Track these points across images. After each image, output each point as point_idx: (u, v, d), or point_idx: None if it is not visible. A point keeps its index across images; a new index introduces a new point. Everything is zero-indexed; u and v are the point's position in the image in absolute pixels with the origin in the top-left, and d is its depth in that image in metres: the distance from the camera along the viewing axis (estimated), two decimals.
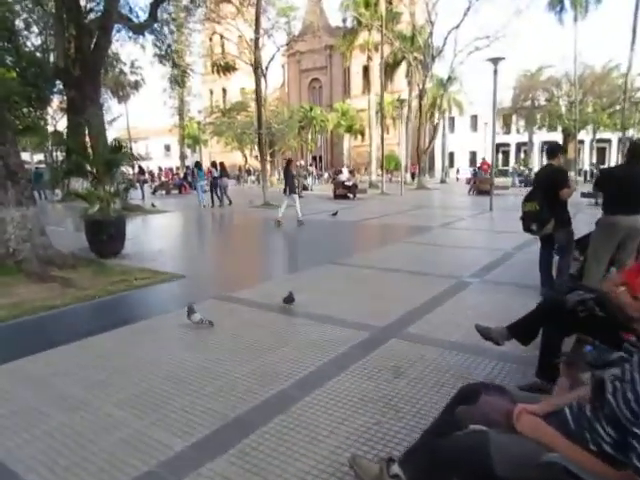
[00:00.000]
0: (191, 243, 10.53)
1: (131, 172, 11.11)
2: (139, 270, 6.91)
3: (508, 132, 58.36)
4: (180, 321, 4.48)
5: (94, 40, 16.42)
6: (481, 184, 22.81)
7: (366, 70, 59.12)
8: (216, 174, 19.19)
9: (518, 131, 56.90)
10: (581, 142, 41.93)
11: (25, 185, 6.45)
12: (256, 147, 45.09)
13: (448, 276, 6.30)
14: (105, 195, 7.79)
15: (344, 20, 60.76)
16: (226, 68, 20.53)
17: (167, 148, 68.43)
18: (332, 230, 12.26)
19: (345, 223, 13.05)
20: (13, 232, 6.26)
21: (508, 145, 58.49)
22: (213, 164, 19.92)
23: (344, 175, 22.13)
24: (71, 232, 11.52)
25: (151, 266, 7.21)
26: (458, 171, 39.78)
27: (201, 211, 17.60)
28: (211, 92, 66.74)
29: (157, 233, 12.55)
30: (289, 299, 4.87)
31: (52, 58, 23.19)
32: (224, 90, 66.24)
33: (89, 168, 7.79)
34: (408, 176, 34.75)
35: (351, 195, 20.99)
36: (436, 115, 35.65)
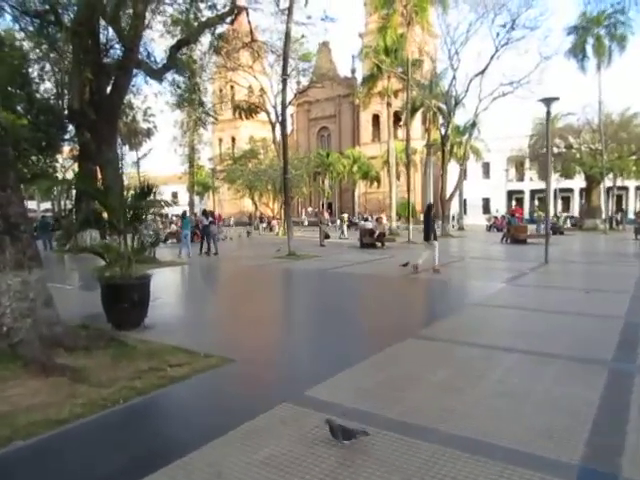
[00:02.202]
0: (226, 306, 8.67)
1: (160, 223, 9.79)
2: (171, 350, 5.27)
3: (522, 179, 57.69)
4: (255, 449, 2.81)
5: (111, 82, 15.55)
6: (517, 232, 21.33)
7: (376, 118, 59.68)
8: (206, 222, 18.53)
9: (531, 178, 56.26)
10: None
11: (28, 242, 4.91)
12: (264, 194, 44.70)
13: (586, 360, 4.68)
14: (127, 251, 6.25)
15: (353, 70, 62.38)
16: (249, 111, 19.65)
17: (174, 195, 68.02)
18: (385, 286, 10.61)
19: (393, 278, 11.42)
20: (9, 305, 4.69)
21: (522, 192, 57.67)
22: (204, 212, 19.41)
23: (370, 223, 20.71)
24: (81, 292, 9.96)
25: (185, 343, 5.56)
26: (490, 218, 38.49)
27: (224, 263, 16.09)
28: (220, 141, 67.20)
29: (182, 292, 10.92)
30: None
31: (66, 104, 22.46)
32: (233, 139, 66.69)
33: (108, 218, 6.30)
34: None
35: (379, 244, 19.49)
36: (451, 162, 34.79)
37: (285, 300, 9.48)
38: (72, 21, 14.58)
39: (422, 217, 25.74)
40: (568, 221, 38.58)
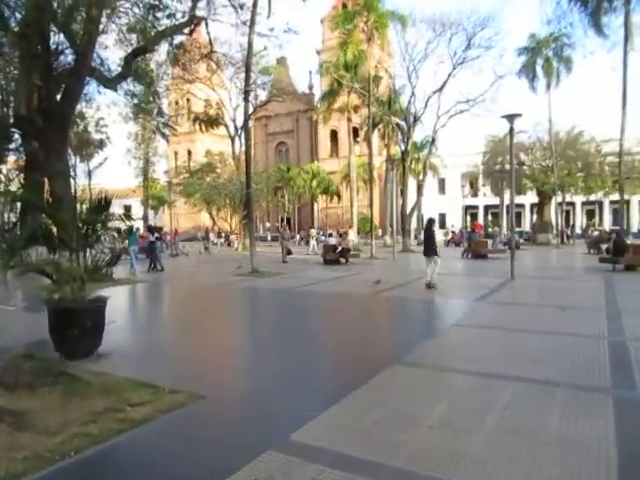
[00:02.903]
0: (189, 330, 7.90)
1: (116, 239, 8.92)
2: (130, 385, 4.64)
3: (475, 195, 59.39)
4: None
5: (62, 89, 14.60)
6: (478, 247, 21.57)
7: (334, 134, 60.07)
8: (152, 238, 18.30)
9: (485, 194, 58.00)
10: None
11: None
12: (222, 208, 43.76)
13: (587, 388, 4.42)
14: (80, 271, 5.56)
15: (311, 87, 62.72)
16: (209, 122, 19.03)
17: (127, 209, 65.66)
18: (356, 306, 10.20)
19: (364, 297, 11.04)
20: None
21: (476, 207, 59.32)
22: (149, 228, 18.91)
23: (334, 239, 20.41)
24: (25, 314, 9.03)
25: (146, 375, 4.94)
26: (448, 233, 39.06)
27: (184, 281, 15.32)
28: (176, 154, 65.78)
29: (139, 314, 10.14)
30: None
31: (12, 111, 21.06)
32: (189, 152, 65.49)
33: (59, 233, 5.60)
34: (388, 238, 33.41)
35: (343, 260, 19.16)
36: (413, 177, 35.26)
37: (252, 323, 8.86)
38: (19, 23, 13.60)
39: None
40: (521, 236, 39.73)
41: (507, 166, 44.04)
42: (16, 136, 25.68)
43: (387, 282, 12.87)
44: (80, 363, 5.45)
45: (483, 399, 4.15)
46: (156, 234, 18.30)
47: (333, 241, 20.04)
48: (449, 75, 26.13)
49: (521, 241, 36.71)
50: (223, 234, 43.16)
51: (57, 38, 17.38)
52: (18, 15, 17.04)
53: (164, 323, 8.83)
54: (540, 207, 37.06)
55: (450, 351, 6.09)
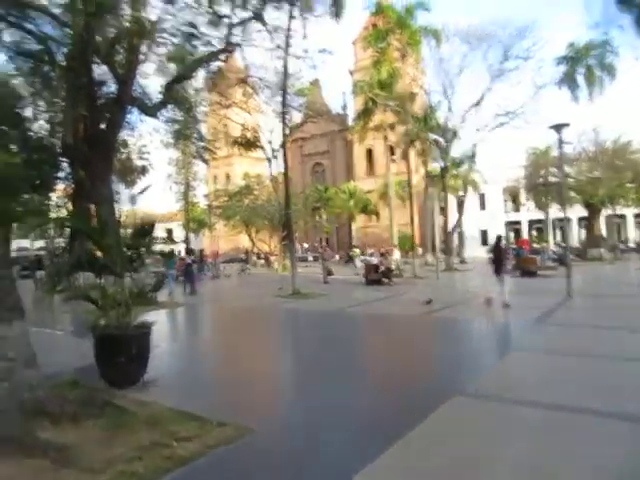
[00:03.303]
0: (233, 356, 7.71)
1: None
2: (176, 417, 4.41)
3: (518, 210, 57.59)
4: None
5: (106, 118, 15.05)
6: (526, 264, 20.62)
7: (370, 153, 59.96)
8: (189, 261, 18.10)
9: (528, 209, 56.18)
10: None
11: (7, 289, 4.12)
12: (261, 230, 44.06)
13: None
14: (125, 297, 5.44)
15: (344, 107, 63.04)
16: (248, 145, 19.23)
17: (169, 233, 67.29)
18: (407, 328, 9.76)
19: (413, 319, 10.58)
20: None
21: (519, 223, 57.47)
22: (187, 251, 18.90)
23: (375, 258, 19.98)
24: (72, 339, 9.03)
25: (192, 406, 4.71)
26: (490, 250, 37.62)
27: (226, 304, 15.23)
28: (215, 177, 67.18)
29: (183, 339, 9.98)
30: None
31: (60, 141, 21.99)
32: (228, 175, 66.74)
33: (104, 259, 5.52)
34: (429, 257, 32.60)
35: (386, 280, 18.67)
36: (451, 194, 34.51)
37: (298, 349, 8.47)
38: (65, 57, 14.18)
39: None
40: (570, 251, 38.01)
41: (551, 179, 42.72)
42: (65, 164, 26.73)
43: (435, 302, 12.32)
44: (126, 392, 5.29)
45: (565, 438, 3.68)
46: (192, 257, 18.33)
47: (375, 261, 19.61)
48: (486, 88, 25.59)
49: (571, 256, 35.12)
50: (262, 255, 43.39)
51: (100, 70, 18.13)
52: (64, 51, 17.89)
53: (208, 348, 8.64)
54: (589, 220, 35.44)
55: (516, 380, 5.58)
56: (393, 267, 19.53)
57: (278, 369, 6.79)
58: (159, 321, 9.50)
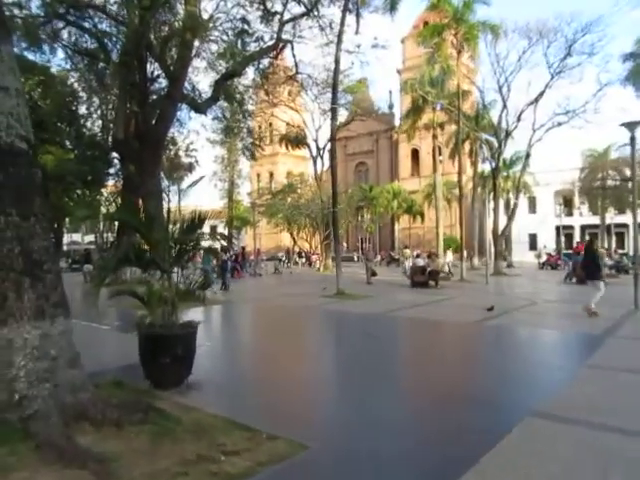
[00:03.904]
0: (280, 359, 7.33)
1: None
2: (223, 426, 4.10)
3: (570, 214, 55.00)
4: None
5: (157, 113, 15.19)
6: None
7: (415, 153, 58.81)
8: (225, 257, 18.40)
9: (581, 213, 53.59)
10: None
11: (53, 284, 3.92)
12: (303, 229, 43.98)
13: None
14: (172, 295, 5.20)
15: (391, 106, 62.12)
16: (296, 142, 19.05)
17: (213, 229, 68.45)
18: (462, 337, 9.19)
19: (468, 327, 9.98)
20: (24, 365, 3.66)
21: (571, 228, 54.86)
22: (223, 248, 18.92)
23: (422, 260, 19.32)
24: (118, 334, 9.00)
25: (239, 413, 4.39)
26: (540, 255, 36.18)
27: (271, 303, 15.02)
28: (258, 176, 67.85)
29: (228, 338, 9.70)
30: None
31: (111, 137, 22.59)
32: (271, 174, 67.21)
33: (151, 254, 5.29)
34: (476, 260, 31.48)
35: (433, 283, 18.01)
36: (511, 195, 33.19)
37: (347, 354, 7.83)
38: (119, 52, 14.39)
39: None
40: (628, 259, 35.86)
41: (610, 182, 40.47)
42: (115, 161, 27.42)
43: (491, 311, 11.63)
44: (170, 394, 5.04)
45: None
46: (228, 254, 18.47)
47: (421, 262, 18.94)
48: (546, 85, 24.36)
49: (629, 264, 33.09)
50: (304, 254, 43.29)
51: (152, 67, 18.40)
52: (119, 47, 18.24)
53: (253, 349, 8.35)
54: None
55: (595, 401, 4.95)
56: (445, 269, 18.84)
57: (326, 376, 6.40)
58: (201, 317, 9.33)
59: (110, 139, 20.40)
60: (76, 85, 25.81)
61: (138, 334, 5.17)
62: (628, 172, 37.06)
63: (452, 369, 6.56)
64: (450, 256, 21.93)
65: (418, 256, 20.19)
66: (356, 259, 43.85)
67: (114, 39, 18.73)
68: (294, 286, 21.22)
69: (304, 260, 42.56)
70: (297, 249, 44.94)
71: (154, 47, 14.61)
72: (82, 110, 27.75)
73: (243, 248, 36.36)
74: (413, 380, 6.00)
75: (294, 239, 44.93)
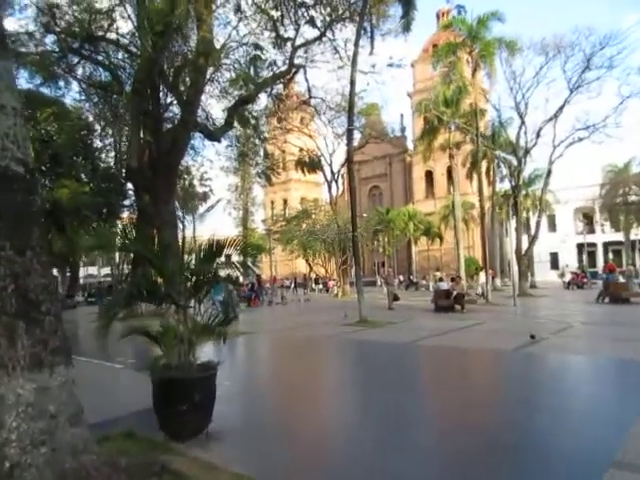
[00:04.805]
0: (306, 399, 6.66)
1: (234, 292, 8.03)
2: None
3: (592, 231, 53.65)
4: None
5: (170, 141, 14.97)
6: (618, 290, 18.45)
7: (429, 175, 58.35)
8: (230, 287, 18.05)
9: (603, 230, 52.26)
10: None
11: (52, 327, 3.38)
12: (319, 254, 43.36)
13: None
14: (188, 332, 4.63)
15: (402, 129, 62.11)
16: (312, 165, 18.71)
17: (227, 258, 68.15)
18: (503, 367, 8.43)
19: (504, 354, 9.21)
20: (17, 426, 3.09)
21: (594, 245, 53.40)
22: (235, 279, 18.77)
23: (446, 283, 18.56)
24: (132, 373, 8.40)
25: (266, 471, 3.75)
26: (563, 274, 35.17)
27: (291, 332, 14.34)
28: (272, 203, 68.00)
29: (249, 375, 9.03)
30: None
31: (124, 167, 22.55)
32: (285, 201, 67.24)
33: (165, 287, 4.75)
34: (498, 281, 30.52)
35: (458, 307, 17.21)
36: (530, 214, 32.44)
37: (379, 392, 6.85)
38: (133, 78, 14.27)
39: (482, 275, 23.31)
40: None
41: (631, 198, 39.39)
42: (130, 192, 27.36)
43: (523, 333, 10.83)
44: (188, 447, 4.43)
45: None
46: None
47: (445, 286, 18.18)
48: (565, 100, 23.83)
49: None
50: (320, 280, 42.62)
51: (165, 96, 18.36)
52: (132, 78, 18.27)
53: (276, 388, 7.67)
54: None
55: None
56: (479, 292, 18.07)
57: (360, 422, 5.68)
58: (217, 354, 8.69)
59: (124, 170, 20.29)
60: (90, 118, 26.08)
61: (151, 378, 4.58)
62: None
63: (500, 409, 5.81)
64: (482, 278, 21.09)
65: (441, 280, 19.43)
66: (379, 283, 43.00)
67: (127, 71, 18.81)
68: (313, 314, 20.54)
69: (321, 286, 41.85)
70: (313, 275, 44.31)
71: (167, 75, 14.48)
72: (97, 143, 28.00)
73: (259, 276, 35.93)
74: (459, 423, 5.27)
75: (310, 265, 44.34)
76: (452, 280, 18.78)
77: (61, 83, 21.31)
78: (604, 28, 24.18)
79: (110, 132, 25.48)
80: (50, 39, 17.31)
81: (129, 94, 14.29)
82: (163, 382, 4.57)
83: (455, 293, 17.49)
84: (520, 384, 7.10)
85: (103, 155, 27.77)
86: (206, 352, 5.50)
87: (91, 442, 3.52)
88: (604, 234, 52.63)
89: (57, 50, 18.30)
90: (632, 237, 45.60)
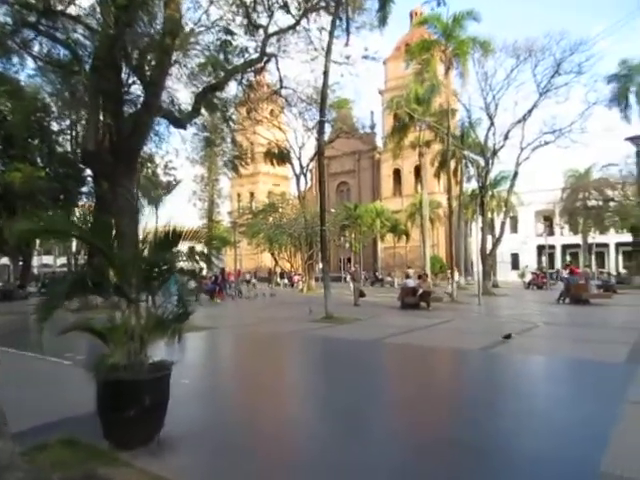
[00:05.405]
0: (271, 399, 6.23)
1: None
2: None
3: (552, 233, 55.25)
4: None
5: (131, 124, 14.18)
6: (578, 291, 18.83)
7: (397, 173, 58.69)
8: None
9: (562, 233, 53.92)
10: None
11: None
12: (285, 249, 42.86)
13: None
14: (139, 329, 4.16)
15: (372, 126, 62.20)
16: (281, 157, 18.23)
17: (191, 250, 66.71)
18: (476, 368, 8.26)
19: (475, 354, 9.07)
20: None
21: (553, 247, 54.99)
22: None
23: (412, 281, 18.49)
24: (80, 371, 7.76)
25: None
26: (524, 275, 36.06)
27: (254, 328, 13.88)
28: (239, 195, 66.99)
29: (207, 373, 8.50)
30: None
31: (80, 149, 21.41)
32: (252, 194, 66.33)
33: (116, 279, 4.26)
34: (462, 280, 30.89)
35: (424, 304, 17.17)
36: (495, 215, 32.91)
37: (347, 394, 6.41)
38: (92, 56, 13.40)
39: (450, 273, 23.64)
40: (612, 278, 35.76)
41: (590, 203, 40.61)
42: (89, 179, 26.16)
43: (490, 333, 10.78)
44: (136, 456, 3.97)
45: None
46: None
47: (412, 283, 18.11)
48: (534, 104, 24.23)
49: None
50: (286, 275, 42.18)
51: (127, 75, 17.40)
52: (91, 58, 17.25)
53: (238, 388, 7.20)
54: (635, 246, 33.24)
55: None
56: (450, 291, 18.15)
57: (321, 422, 5.35)
58: (174, 351, 8.17)
59: (79, 152, 19.27)
60: (48, 99, 24.70)
61: (95, 380, 4.09)
62: (610, 192, 37.36)
63: (474, 412, 5.58)
64: (456, 276, 21.22)
65: (408, 277, 19.37)
66: (348, 279, 42.90)
67: (88, 50, 17.75)
68: (278, 309, 20.13)
69: (286, 281, 41.42)
70: (279, 269, 43.82)
71: (130, 54, 13.67)
72: (54, 126, 26.57)
73: (222, 269, 35.18)
74: (435, 429, 5.01)
75: (275, 259, 43.81)
76: (419, 278, 18.73)
77: (15, 59, 20.01)
78: (573, 36, 24.72)
79: (69, 116, 24.23)
80: (2, 10, 16.13)
81: (88, 73, 13.41)
82: (109, 384, 4.09)
83: (421, 291, 17.44)
84: (486, 385, 6.93)
85: (61, 139, 26.39)
86: (162, 350, 5.02)
87: (17, 456, 3.03)
88: (563, 237, 54.33)
89: (10, 23, 17.07)
90: (589, 240, 47.15)
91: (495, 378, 7.43)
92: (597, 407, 5.52)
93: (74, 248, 41.80)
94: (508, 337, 9.64)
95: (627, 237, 37.69)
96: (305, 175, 36.22)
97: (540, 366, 8.16)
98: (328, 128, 32.40)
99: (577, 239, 51.38)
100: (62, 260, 54.15)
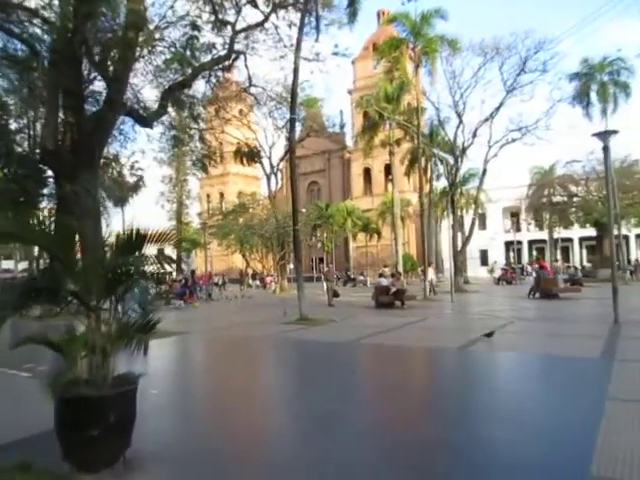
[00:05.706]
0: (248, 410, 5.86)
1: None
2: None
3: (519, 229, 56.51)
4: None
5: (93, 121, 13.55)
6: (548, 286, 19.15)
7: (367, 172, 58.92)
8: None
9: (528, 229, 55.24)
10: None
11: None
12: (257, 249, 42.35)
13: None
14: (101, 340, 3.80)
15: (342, 126, 62.23)
16: (251, 156, 17.85)
17: (160, 253, 65.25)
18: (457, 368, 8.14)
19: (454, 353, 8.96)
20: None
21: (520, 243, 56.25)
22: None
23: (386, 279, 18.41)
24: (37, 383, 7.27)
25: None
26: (493, 270, 36.75)
27: (227, 332, 13.47)
28: (208, 196, 66.05)
29: (182, 382, 8.01)
30: None
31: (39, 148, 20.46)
32: (222, 194, 65.45)
33: (73, 286, 3.89)
34: (432, 277, 31.03)
35: (399, 303, 17.12)
36: (464, 212, 33.31)
37: (325, 401, 6.03)
38: (49, 49, 12.72)
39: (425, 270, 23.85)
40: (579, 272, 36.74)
41: (555, 199, 41.64)
42: (50, 180, 25.12)
43: (466, 330, 10.73)
44: (99, 479, 3.63)
45: None
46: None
47: (385, 282, 18.03)
48: (501, 102, 24.57)
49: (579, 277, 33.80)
50: (258, 276, 41.72)
51: (89, 71, 16.68)
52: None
53: (210, 399, 6.83)
54: (599, 240, 34.23)
55: None
56: (427, 289, 18.18)
57: (297, 427, 5.10)
58: (141, 361, 7.73)
59: (37, 150, 18.42)
60: (5, 97, 23.56)
61: (53, 397, 3.72)
62: (573, 188, 38.36)
63: (460, 417, 5.41)
64: (431, 274, 21.24)
65: (381, 275, 19.29)
66: (322, 280, 42.64)
67: (47, 45, 16.95)
68: (251, 311, 19.76)
69: (258, 282, 40.96)
70: (250, 271, 43.29)
71: (92, 50, 13.04)
72: (12, 125, 25.38)
73: (193, 272, 34.47)
74: (422, 436, 4.82)
75: (247, 261, 43.26)
76: (392, 276, 18.69)
77: None
78: (538, 35, 25.20)
79: (28, 114, 23.15)
80: None
81: (46, 68, 12.73)
82: (69, 401, 3.72)
83: (395, 289, 17.38)
84: (467, 384, 6.81)
85: (19, 137, 25.24)
86: (128, 359, 4.65)
87: None
88: (529, 232, 55.73)
89: None
90: (555, 235, 48.43)
91: (476, 377, 7.33)
92: (580, 405, 5.44)
93: (36, 252, 40.23)
94: (490, 335, 9.52)
95: (591, 231, 38.82)
96: (276, 175, 35.85)
97: (520, 363, 8.11)
98: (298, 127, 32.11)
99: (543, 234, 52.79)
100: (23, 265, 52.07)
